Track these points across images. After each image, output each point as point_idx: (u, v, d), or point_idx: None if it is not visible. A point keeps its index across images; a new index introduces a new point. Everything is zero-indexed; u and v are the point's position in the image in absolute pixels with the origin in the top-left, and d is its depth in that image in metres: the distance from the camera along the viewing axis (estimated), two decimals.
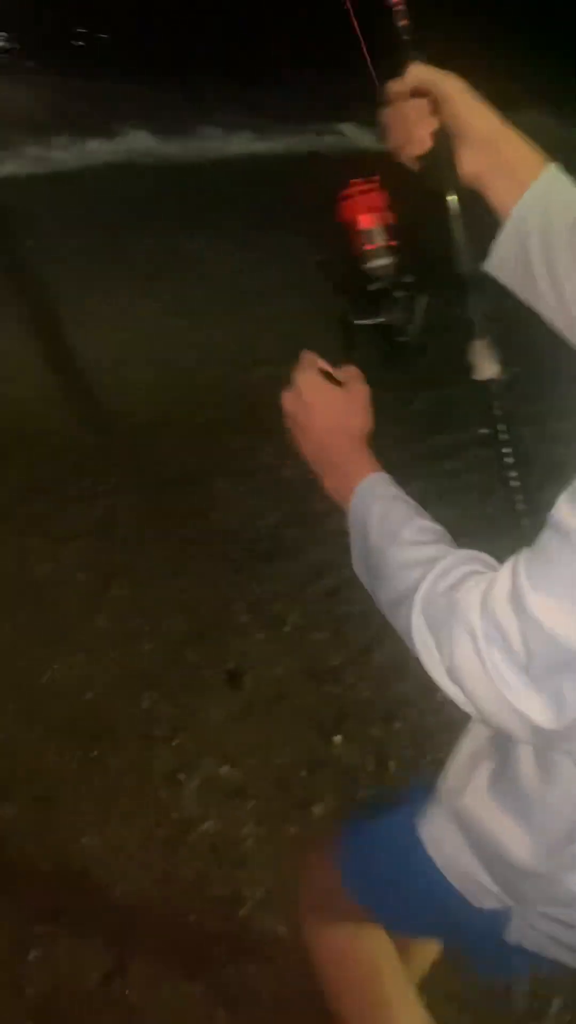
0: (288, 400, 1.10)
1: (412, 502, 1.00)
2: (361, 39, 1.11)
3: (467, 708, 0.85)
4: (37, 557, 3.11)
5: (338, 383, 1.09)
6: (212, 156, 6.63)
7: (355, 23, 1.11)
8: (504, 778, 1.06)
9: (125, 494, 3.42)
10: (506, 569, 0.81)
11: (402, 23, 1.10)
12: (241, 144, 6.96)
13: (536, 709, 0.78)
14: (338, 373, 1.10)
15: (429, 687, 0.86)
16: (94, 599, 2.94)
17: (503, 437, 1.10)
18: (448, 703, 0.86)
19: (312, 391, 1.08)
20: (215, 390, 4.11)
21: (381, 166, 1.13)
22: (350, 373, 1.11)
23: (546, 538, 0.79)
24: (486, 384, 1.10)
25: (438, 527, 0.96)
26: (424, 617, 0.86)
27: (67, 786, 2.32)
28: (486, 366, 1.10)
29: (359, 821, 1.33)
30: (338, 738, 2.48)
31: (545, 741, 0.85)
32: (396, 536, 0.95)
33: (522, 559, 0.80)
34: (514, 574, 0.79)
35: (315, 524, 3.05)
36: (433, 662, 0.85)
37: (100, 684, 2.61)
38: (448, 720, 1.14)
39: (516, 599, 0.77)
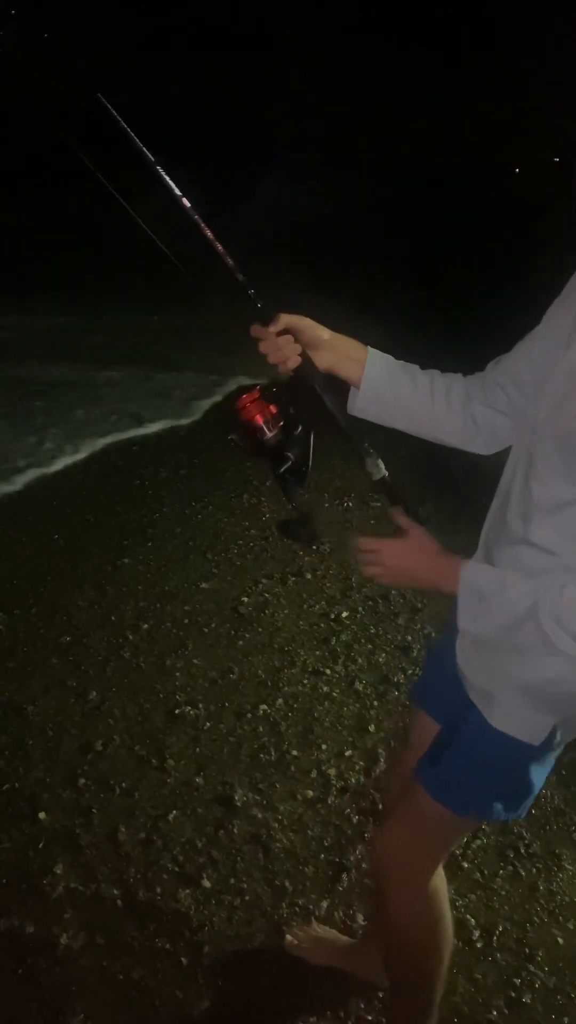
0: (369, 572, 1.60)
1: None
2: None
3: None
4: None
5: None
6: None
7: None
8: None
9: None
10: None
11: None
12: None
13: None
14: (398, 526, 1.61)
15: None
16: None
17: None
18: None
19: (379, 549, 1.60)
20: None
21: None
22: (402, 521, 1.62)
23: None
24: (380, 480, 1.71)
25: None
26: (555, 618, 1.39)
27: None
28: (375, 471, 1.70)
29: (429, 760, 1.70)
30: None
31: None
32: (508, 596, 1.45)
33: None
34: None
35: None
36: (564, 641, 1.39)
37: None
38: None
39: None
